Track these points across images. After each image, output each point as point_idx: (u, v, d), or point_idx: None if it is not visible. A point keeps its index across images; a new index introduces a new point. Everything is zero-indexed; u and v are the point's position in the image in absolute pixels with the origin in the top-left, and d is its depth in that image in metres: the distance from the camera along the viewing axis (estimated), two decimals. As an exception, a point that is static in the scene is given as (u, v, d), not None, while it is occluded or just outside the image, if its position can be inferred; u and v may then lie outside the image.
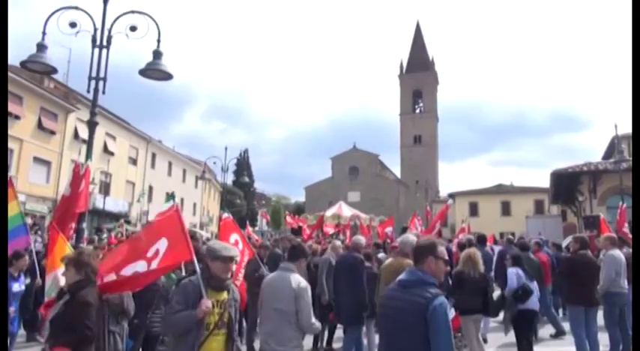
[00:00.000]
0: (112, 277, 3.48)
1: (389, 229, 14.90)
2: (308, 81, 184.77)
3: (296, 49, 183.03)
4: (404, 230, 10.00)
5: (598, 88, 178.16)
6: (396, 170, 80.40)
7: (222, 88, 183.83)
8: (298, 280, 3.82)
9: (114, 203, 31.12)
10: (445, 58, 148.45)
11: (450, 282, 6.24)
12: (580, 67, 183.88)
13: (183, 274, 5.37)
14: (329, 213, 21.01)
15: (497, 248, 11.12)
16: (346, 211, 23.92)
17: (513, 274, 5.88)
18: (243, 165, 58.35)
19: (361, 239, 6.86)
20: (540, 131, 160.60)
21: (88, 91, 6.18)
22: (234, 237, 7.17)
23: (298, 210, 59.68)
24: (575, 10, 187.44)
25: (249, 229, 22.19)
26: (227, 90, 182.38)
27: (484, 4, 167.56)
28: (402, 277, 2.71)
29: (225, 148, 25.56)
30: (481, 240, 9.53)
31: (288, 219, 19.55)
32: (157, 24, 6.38)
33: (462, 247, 8.53)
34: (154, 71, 6.30)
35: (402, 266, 4.17)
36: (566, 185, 23.90)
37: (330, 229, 18.44)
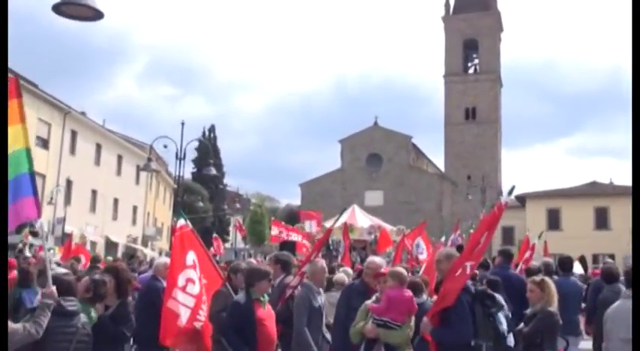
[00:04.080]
0: None
1: (419, 243, 15.10)
2: (300, 27, 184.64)
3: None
4: (459, 249, 10.02)
5: None
6: (438, 160, 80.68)
7: (171, 38, 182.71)
8: None
9: (14, 205, 31.23)
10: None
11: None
12: None
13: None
14: (337, 224, 21.05)
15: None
16: (362, 219, 23.92)
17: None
18: (207, 150, 58.10)
19: (376, 262, 6.83)
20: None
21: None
22: (192, 257, 7.15)
23: (291, 217, 59.51)
24: None
25: (220, 244, 22.16)
26: (178, 40, 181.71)
27: None
28: None
29: (182, 124, 24.86)
30: (565, 265, 9.53)
31: (274, 230, 19.52)
32: None
33: (532, 274, 8.54)
34: (75, 6, 6.29)
35: None
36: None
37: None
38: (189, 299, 6.88)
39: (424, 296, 6.82)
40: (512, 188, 8.10)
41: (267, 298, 6.42)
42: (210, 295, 7.02)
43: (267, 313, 6.32)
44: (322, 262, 7.66)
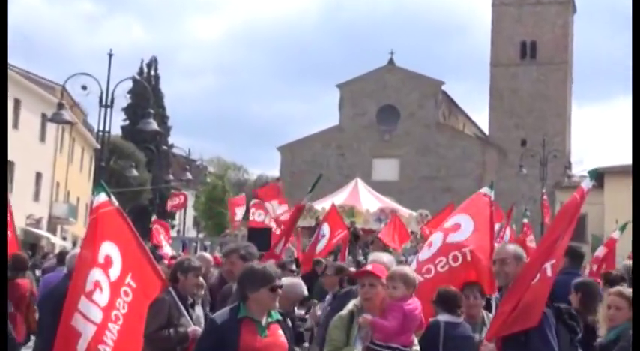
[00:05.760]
0: None
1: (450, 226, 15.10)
2: None
3: None
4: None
5: None
6: (480, 117, 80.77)
7: None
8: None
9: None
10: None
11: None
12: None
13: None
14: (324, 204, 21.17)
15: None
16: (368, 199, 24.06)
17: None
18: (145, 94, 57.72)
19: (384, 260, 6.81)
20: None
21: None
22: (106, 251, 6.95)
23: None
24: None
25: (161, 231, 22.25)
26: None
27: None
28: None
29: (109, 56, 24.81)
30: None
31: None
32: None
33: (612, 283, 8.69)
34: None
35: None
36: None
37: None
38: (94, 311, 6.58)
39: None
40: (595, 172, 7.87)
41: (275, 317, 5.96)
42: (145, 305, 6.94)
43: (267, 341, 5.75)
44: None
